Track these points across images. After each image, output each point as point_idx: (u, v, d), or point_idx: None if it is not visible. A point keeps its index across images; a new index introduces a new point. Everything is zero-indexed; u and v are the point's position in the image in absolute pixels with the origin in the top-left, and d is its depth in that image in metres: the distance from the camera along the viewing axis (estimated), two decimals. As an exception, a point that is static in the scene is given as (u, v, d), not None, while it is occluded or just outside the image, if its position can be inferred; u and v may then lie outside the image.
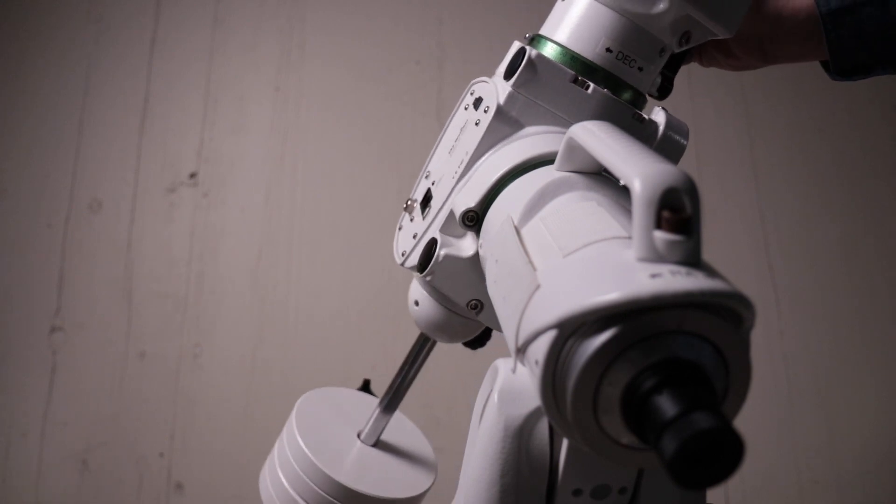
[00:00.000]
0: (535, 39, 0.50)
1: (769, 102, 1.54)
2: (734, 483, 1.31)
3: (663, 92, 0.52)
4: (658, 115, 0.50)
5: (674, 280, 0.28)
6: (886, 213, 1.49)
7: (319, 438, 0.59)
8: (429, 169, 0.53)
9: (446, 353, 1.36)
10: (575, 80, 0.47)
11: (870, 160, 1.52)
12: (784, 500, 1.34)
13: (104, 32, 1.52)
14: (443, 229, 0.48)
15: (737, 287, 0.29)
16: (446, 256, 0.46)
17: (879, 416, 1.39)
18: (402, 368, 0.59)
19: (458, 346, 0.56)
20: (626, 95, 0.48)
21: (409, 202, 0.53)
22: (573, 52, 0.48)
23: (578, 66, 0.47)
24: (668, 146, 0.49)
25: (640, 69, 0.48)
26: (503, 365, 0.41)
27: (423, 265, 0.48)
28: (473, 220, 0.45)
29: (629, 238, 0.32)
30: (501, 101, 0.47)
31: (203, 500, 1.29)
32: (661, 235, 0.29)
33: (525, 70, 0.46)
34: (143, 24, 1.52)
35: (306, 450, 0.57)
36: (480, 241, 0.45)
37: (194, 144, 1.46)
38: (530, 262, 0.34)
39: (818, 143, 1.53)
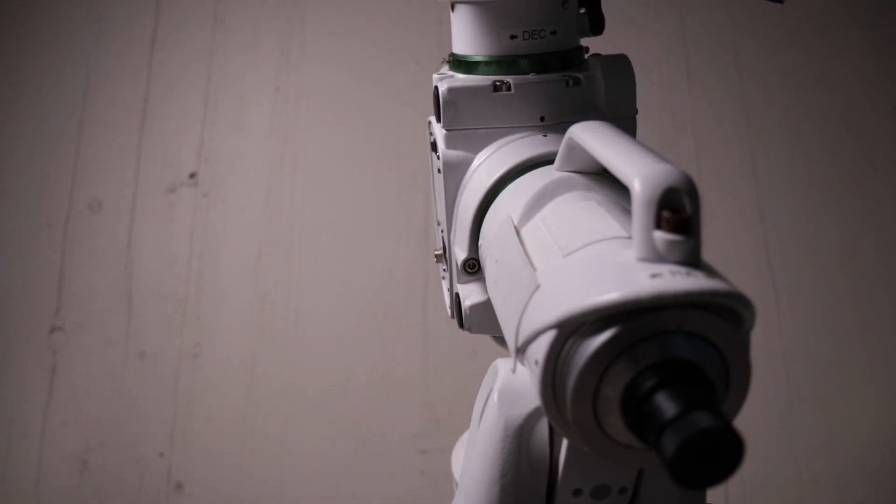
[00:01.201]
0: (452, 59, 0.49)
1: (768, 100, 1.54)
2: (734, 483, 1.31)
3: (596, 28, 0.49)
4: (595, 67, 0.47)
5: (674, 280, 0.28)
6: (886, 213, 1.49)
7: None
8: (438, 217, 0.53)
9: (447, 354, 1.36)
10: (495, 87, 0.45)
11: (870, 160, 1.52)
12: (784, 500, 1.34)
13: (104, 32, 1.52)
14: (459, 279, 0.47)
15: (737, 287, 0.29)
16: (471, 307, 0.46)
17: (879, 416, 1.39)
18: None
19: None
20: (556, 63, 0.46)
21: (436, 254, 0.53)
22: (485, 57, 0.46)
23: (494, 69, 0.46)
24: (616, 92, 0.47)
25: (554, 32, 0.46)
26: (503, 365, 0.41)
27: (460, 321, 0.48)
28: (474, 266, 0.45)
29: (629, 238, 0.32)
30: (443, 146, 0.47)
31: (203, 500, 1.29)
32: (660, 235, 0.29)
33: (446, 108, 0.46)
34: (143, 24, 1.52)
35: None
36: (480, 242, 0.45)
37: (194, 144, 1.46)
38: (530, 262, 0.34)
39: (817, 141, 1.53)
